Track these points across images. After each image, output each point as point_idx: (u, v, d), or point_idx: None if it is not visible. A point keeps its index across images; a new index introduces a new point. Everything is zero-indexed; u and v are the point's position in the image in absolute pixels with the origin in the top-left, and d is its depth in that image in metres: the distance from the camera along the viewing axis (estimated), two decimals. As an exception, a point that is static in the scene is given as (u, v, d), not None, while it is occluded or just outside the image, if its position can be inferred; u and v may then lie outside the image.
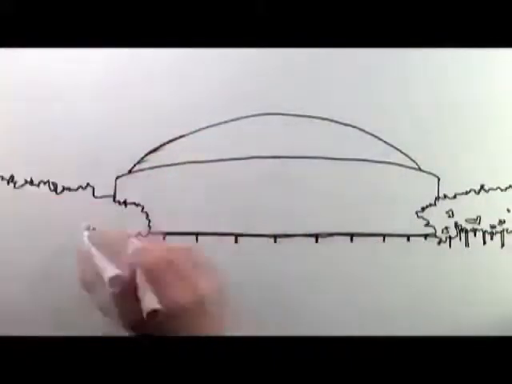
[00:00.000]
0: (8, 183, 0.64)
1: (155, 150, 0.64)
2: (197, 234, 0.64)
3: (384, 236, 0.64)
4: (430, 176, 0.65)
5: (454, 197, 0.64)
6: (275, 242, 0.64)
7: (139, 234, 0.62)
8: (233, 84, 0.65)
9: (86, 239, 0.55)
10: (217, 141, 0.64)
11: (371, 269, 0.64)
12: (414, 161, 0.65)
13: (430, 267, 0.64)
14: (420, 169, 0.65)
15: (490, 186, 0.64)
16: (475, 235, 0.64)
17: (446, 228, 0.64)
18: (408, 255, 0.64)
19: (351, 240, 0.64)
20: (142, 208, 0.64)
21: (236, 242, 0.64)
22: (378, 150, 0.65)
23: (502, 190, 0.64)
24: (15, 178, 0.64)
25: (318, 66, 0.66)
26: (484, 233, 0.64)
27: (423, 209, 0.64)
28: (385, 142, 0.65)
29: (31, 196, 0.64)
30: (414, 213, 0.64)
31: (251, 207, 0.64)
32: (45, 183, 0.64)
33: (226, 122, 0.64)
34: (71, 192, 0.64)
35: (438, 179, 0.65)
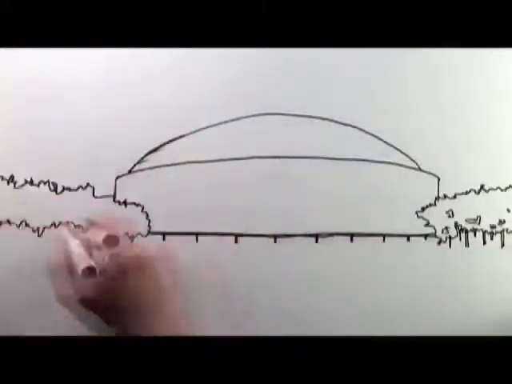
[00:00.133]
0: (8, 183, 0.64)
1: (155, 149, 0.64)
2: (197, 234, 0.64)
3: (384, 236, 0.64)
4: (430, 176, 0.65)
5: (454, 197, 0.64)
6: (275, 242, 0.64)
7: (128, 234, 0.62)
8: (233, 84, 0.65)
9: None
10: (217, 141, 0.64)
11: (371, 269, 0.64)
12: (414, 161, 0.65)
13: (430, 267, 0.64)
14: (420, 169, 0.65)
15: (490, 185, 0.64)
16: (475, 235, 0.64)
17: (446, 228, 0.64)
18: (408, 255, 0.64)
19: (351, 240, 0.64)
20: (142, 208, 0.64)
21: (236, 242, 0.64)
22: (377, 150, 0.65)
23: (502, 190, 0.64)
24: (15, 178, 0.64)
25: (318, 66, 0.66)
26: (484, 233, 0.64)
27: (423, 209, 0.64)
28: (385, 142, 0.65)
29: (31, 196, 0.64)
30: (413, 213, 0.64)
31: (251, 207, 0.64)
32: (45, 183, 0.64)
33: (226, 122, 0.65)
34: (71, 192, 0.64)
35: (438, 179, 0.65)
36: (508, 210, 0.64)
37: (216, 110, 0.65)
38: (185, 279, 0.61)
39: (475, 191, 0.64)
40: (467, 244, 0.64)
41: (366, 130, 0.65)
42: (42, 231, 0.64)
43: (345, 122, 0.65)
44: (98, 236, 0.54)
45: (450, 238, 0.64)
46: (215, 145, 0.64)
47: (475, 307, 0.64)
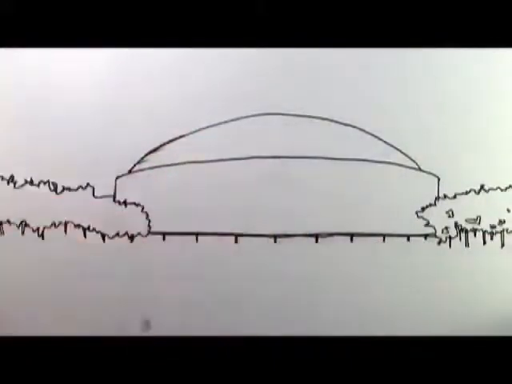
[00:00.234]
0: (8, 183, 0.64)
1: (155, 149, 0.64)
2: (197, 234, 0.64)
3: (384, 236, 0.64)
4: (430, 176, 0.65)
5: (454, 197, 0.64)
6: (275, 242, 0.64)
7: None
8: (233, 84, 0.65)
9: None
10: (217, 141, 0.64)
11: (371, 269, 0.63)
12: (414, 161, 0.65)
13: (430, 267, 0.64)
14: (420, 169, 0.65)
15: (490, 186, 0.64)
16: (475, 235, 0.64)
17: (446, 228, 0.64)
18: (408, 255, 0.64)
19: (351, 240, 0.64)
20: (142, 208, 0.64)
21: (236, 242, 0.64)
22: (377, 150, 0.65)
23: (502, 190, 0.64)
24: (15, 178, 0.64)
25: (318, 66, 0.66)
26: (484, 233, 0.64)
27: (423, 209, 0.64)
28: (385, 142, 0.65)
29: (31, 196, 0.64)
30: (413, 213, 0.64)
31: (251, 207, 0.64)
32: (45, 183, 0.64)
33: (226, 122, 0.64)
34: (71, 192, 0.64)
35: (438, 179, 0.65)
36: (508, 210, 0.64)
37: (216, 110, 0.65)
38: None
39: (475, 191, 0.64)
40: (467, 244, 0.64)
41: (366, 130, 0.65)
42: (42, 231, 0.64)
43: (345, 122, 0.65)
44: None
45: (450, 237, 0.64)
46: (215, 145, 0.64)
47: (475, 307, 0.64)
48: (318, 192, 0.64)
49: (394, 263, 0.64)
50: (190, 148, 0.64)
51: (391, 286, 0.64)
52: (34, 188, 0.64)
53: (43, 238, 0.64)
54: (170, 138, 0.65)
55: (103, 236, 0.64)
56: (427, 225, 0.64)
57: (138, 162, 0.64)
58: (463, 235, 0.64)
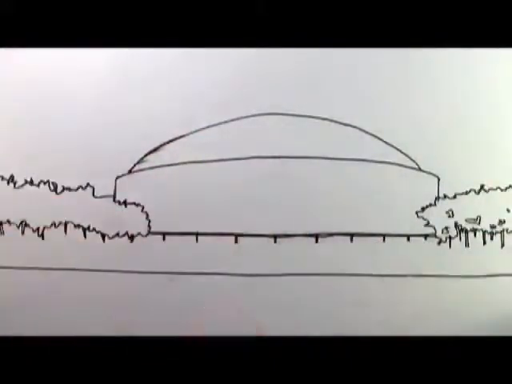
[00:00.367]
0: (8, 183, 0.64)
1: (155, 149, 0.64)
2: (197, 234, 0.64)
3: (384, 236, 0.64)
4: (430, 176, 0.65)
5: (454, 197, 0.64)
6: (275, 242, 0.64)
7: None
8: (233, 84, 0.65)
9: None
10: (217, 141, 0.64)
11: (371, 269, 0.63)
12: (413, 161, 0.65)
13: (430, 267, 0.64)
14: (420, 169, 0.65)
15: (490, 186, 0.64)
16: (475, 235, 0.64)
17: (446, 228, 0.64)
18: (408, 255, 0.64)
19: (351, 240, 0.64)
20: (142, 208, 0.64)
21: (236, 242, 0.64)
22: (377, 150, 0.65)
23: (501, 190, 0.64)
24: (15, 178, 0.64)
25: (318, 66, 0.66)
26: (484, 233, 0.64)
27: (423, 209, 0.64)
28: (385, 142, 0.65)
29: (31, 196, 0.64)
30: (414, 213, 0.64)
31: (251, 207, 0.64)
32: (45, 183, 0.64)
33: (226, 122, 0.65)
34: (71, 192, 0.64)
35: (438, 179, 0.65)
36: (508, 210, 0.64)
37: (216, 110, 0.65)
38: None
39: (475, 191, 0.64)
40: (467, 244, 0.64)
41: (366, 130, 0.65)
42: (42, 231, 0.64)
43: (345, 122, 0.65)
44: None
45: (450, 237, 0.64)
46: (215, 145, 0.64)
47: (475, 307, 0.64)
48: (318, 192, 0.64)
49: (393, 263, 0.64)
50: (189, 148, 0.64)
51: (391, 285, 0.64)
52: (33, 188, 0.64)
53: (43, 238, 0.64)
54: (170, 138, 0.65)
55: (103, 236, 0.64)
56: (427, 225, 0.64)
57: (138, 162, 0.64)
58: (463, 235, 0.64)
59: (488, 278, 0.64)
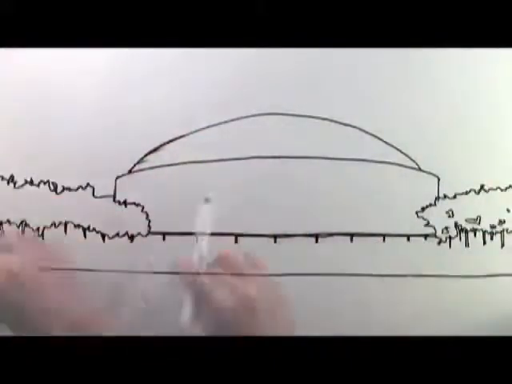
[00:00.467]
0: (8, 183, 0.64)
1: (155, 149, 0.64)
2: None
3: (384, 236, 0.64)
4: (430, 176, 0.65)
5: (454, 197, 0.64)
6: (275, 242, 0.64)
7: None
8: (233, 84, 0.65)
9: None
10: (217, 141, 0.64)
11: (371, 269, 0.63)
12: (413, 161, 0.65)
13: (430, 267, 0.64)
14: (420, 169, 0.65)
15: (490, 186, 0.64)
16: (475, 235, 0.64)
17: (446, 228, 0.64)
18: (408, 255, 0.64)
19: (351, 240, 0.64)
20: (142, 208, 0.64)
21: (236, 242, 0.64)
22: (377, 150, 0.65)
23: (501, 190, 0.64)
24: (15, 178, 0.64)
25: (318, 66, 0.66)
26: (484, 233, 0.64)
27: (423, 209, 0.64)
28: (385, 142, 0.65)
29: (31, 196, 0.64)
30: (414, 213, 0.64)
31: (251, 207, 0.64)
32: (45, 183, 0.64)
33: (226, 122, 0.65)
34: (71, 192, 0.64)
35: (438, 179, 0.65)
36: (508, 210, 0.64)
37: (216, 110, 0.65)
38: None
39: (475, 191, 0.64)
40: (467, 244, 0.64)
41: (366, 130, 0.65)
42: (42, 231, 0.64)
43: (345, 122, 0.65)
44: None
45: (450, 237, 0.64)
46: (215, 145, 0.64)
47: (475, 307, 0.64)
48: (318, 192, 0.64)
49: (393, 263, 0.64)
50: (190, 148, 0.64)
51: (391, 285, 0.64)
52: (33, 188, 0.64)
53: (43, 238, 0.64)
54: (170, 138, 0.65)
55: (103, 236, 0.64)
56: (427, 225, 0.64)
57: (138, 162, 0.64)
58: (463, 235, 0.64)
59: (488, 278, 0.64)
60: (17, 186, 0.64)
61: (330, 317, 0.63)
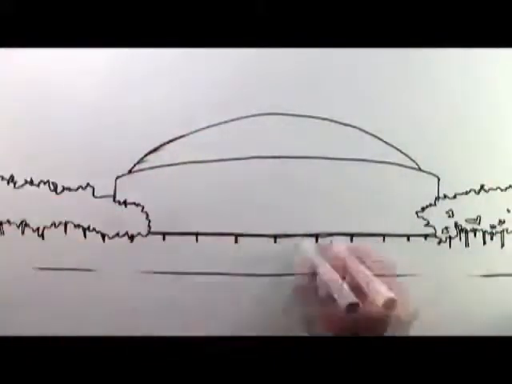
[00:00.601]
0: (8, 183, 0.64)
1: (155, 149, 0.64)
2: (197, 234, 0.64)
3: (384, 236, 0.64)
4: (430, 176, 0.65)
5: (454, 197, 0.64)
6: (275, 242, 0.64)
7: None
8: (233, 84, 0.65)
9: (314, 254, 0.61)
10: (217, 141, 0.64)
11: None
12: (413, 161, 0.65)
13: (430, 267, 0.64)
14: (420, 169, 0.65)
15: (490, 186, 0.64)
16: (475, 235, 0.64)
17: (446, 228, 0.64)
18: (408, 255, 0.64)
19: (351, 240, 0.64)
20: (142, 208, 0.64)
21: (236, 242, 0.64)
22: (377, 150, 0.65)
23: (501, 190, 0.64)
24: (15, 178, 0.64)
25: (318, 66, 0.66)
26: (484, 233, 0.64)
27: (423, 209, 0.64)
28: (385, 142, 0.65)
29: (31, 196, 0.64)
30: (414, 213, 0.64)
31: (251, 207, 0.64)
32: (45, 183, 0.64)
33: (226, 122, 0.65)
34: (71, 192, 0.64)
35: (438, 179, 0.65)
36: (508, 210, 0.64)
37: (216, 110, 0.65)
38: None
39: (475, 191, 0.64)
40: (467, 244, 0.64)
41: (366, 130, 0.65)
42: (42, 231, 0.64)
43: (345, 122, 0.65)
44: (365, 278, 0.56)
45: (450, 237, 0.64)
46: (215, 145, 0.64)
47: (475, 307, 0.64)
48: (318, 192, 0.64)
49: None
50: (190, 148, 0.64)
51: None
52: (33, 188, 0.64)
53: (43, 238, 0.64)
54: (170, 138, 0.65)
55: (103, 236, 0.64)
56: (427, 225, 0.64)
57: (138, 162, 0.64)
58: (463, 235, 0.64)
59: (488, 278, 0.64)
60: (17, 186, 0.64)
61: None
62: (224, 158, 0.64)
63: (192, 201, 0.64)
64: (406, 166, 0.65)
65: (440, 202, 0.64)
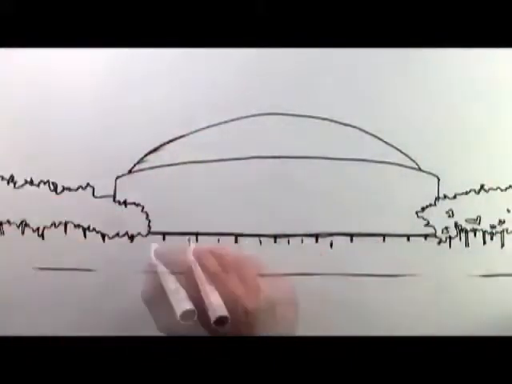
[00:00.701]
0: (8, 183, 0.64)
1: (155, 149, 0.64)
2: (197, 234, 0.64)
3: (384, 236, 0.64)
4: (430, 176, 0.65)
5: (454, 197, 0.64)
6: (275, 242, 0.64)
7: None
8: (233, 84, 0.65)
9: (152, 255, 0.59)
10: (217, 141, 0.64)
11: (371, 269, 0.63)
12: (413, 161, 0.65)
13: (430, 267, 0.64)
14: (420, 169, 0.65)
15: (490, 186, 0.64)
16: (475, 235, 0.64)
17: (446, 228, 0.64)
18: (408, 255, 0.64)
19: (351, 240, 0.64)
20: (142, 208, 0.64)
21: (236, 242, 0.64)
22: (377, 150, 0.65)
23: (501, 190, 0.64)
24: (15, 178, 0.64)
25: (318, 66, 0.66)
26: (484, 233, 0.64)
27: (423, 209, 0.64)
28: (385, 142, 0.65)
29: (31, 196, 0.64)
30: (414, 213, 0.64)
31: (251, 207, 0.64)
32: (45, 183, 0.64)
33: (226, 122, 0.64)
34: (71, 192, 0.64)
35: (438, 179, 0.65)
36: (508, 210, 0.64)
37: (216, 110, 0.65)
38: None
39: (475, 191, 0.64)
40: (467, 244, 0.64)
41: (366, 130, 0.65)
42: (42, 231, 0.64)
43: (345, 122, 0.65)
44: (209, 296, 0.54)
45: (450, 237, 0.64)
46: (215, 145, 0.64)
47: (475, 307, 0.64)
48: (318, 192, 0.64)
49: (393, 263, 0.64)
50: (190, 148, 0.64)
51: (391, 285, 0.64)
52: (33, 188, 0.64)
53: (43, 238, 0.64)
54: (170, 138, 0.65)
55: (103, 236, 0.64)
56: (427, 225, 0.64)
57: (138, 162, 0.64)
58: (463, 235, 0.64)
59: (488, 278, 0.64)
60: (17, 186, 0.64)
61: (331, 317, 0.63)
62: (224, 158, 0.64)
63: (192, 201, 0.64)
64: (406, 166, 0.65)
65: (440, 202, 0.64)
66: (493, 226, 0.64)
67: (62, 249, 0.64)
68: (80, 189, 0.64)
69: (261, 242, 0.64)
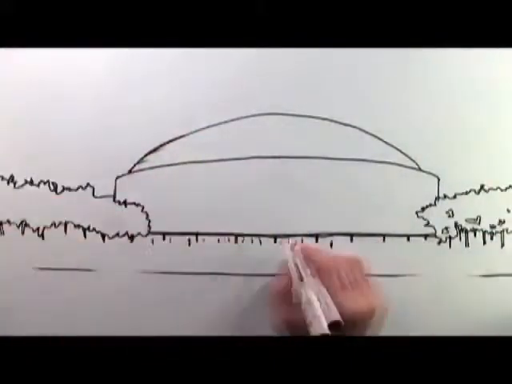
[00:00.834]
0: (8, 183, 0.64)
1: (155, 149, 0.65)
2: (197, 234, 0.64)
3: (384, 236, 0.64)
4: (430, 176, 0.65)
5: (454, 197, 0.64)
6: (275, 242, 0.64)
7: None
8: (233, 84, 0.65)
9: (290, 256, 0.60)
10: (217, 141, 0.64)
11: (371, 269, 0.63)
12: (413, 161, 0.65)
13: (430, 267, 0.64)
14: (420, 169, 0.65)
15: (490, 186, 0.64)
16: (475, 235, 0.64)
17: (446, 228, 0.64)
18: (408, 255, 0.64)
19: (351, 240, 0.64)
20: (142, 208, 0.64)
21: (236, 242, 0.64)
22: (377, 150, 0.65)
23: (501, 190, 0.64)
24: (15, 178, 0.64)
25: (318, 66, 0.66)
26: (484, 233, 0.64)
27: (423, 209, 0.64)
28: (385, 142, 0.65)
29: (31, 196, 0.64)
30: (414, 213, 0.64)
31: (251, 207, 0.64)
32: (45, 183, 0.64)
33: (226, 122, 0.65)
34: (71, 192, 0.64)
35: (438, 179, 0.65)
36: (508, 210, 0.64)
37: (216, 110, 0.65)
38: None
39: (475, 191, 0.64)
40: (467, 244, 0.64)
41: (366, 130, 0.65)
42: (42, 231, 0.64)
43: (345, 122, 0.65)
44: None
45: (450, 237, 0.64)
46: (215, 145, 0.64)
47: (475, 307, 0.64)
48: (318, 192, 0.64)
49: (394, 263, 0.64)
50: (190, 148, 0.64)
51: (391, 285, 0.64)
52: (33, 188, 0.64)
53: (43, 238, 0.64)
54: (170, 138, 0.65)
55: (103, 236, 0.64)
56: (427, 225, 0.64)
57: (138, 162, 0.64)
58: (463, 235, 0.64)
59: (488, 278, 0.64)
60: (17, 186, 0.64)
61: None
62: (224, 158, 0.64)
63: (192, 201, 0.64)
64: (406, 166, 0.65)
65: (440, 202, 0.65)
66: (493, 226, 0.64)
67: (61, 249, 0.64)
68: (80, 189, 0.64)
69: (261, 242, 0.64)
